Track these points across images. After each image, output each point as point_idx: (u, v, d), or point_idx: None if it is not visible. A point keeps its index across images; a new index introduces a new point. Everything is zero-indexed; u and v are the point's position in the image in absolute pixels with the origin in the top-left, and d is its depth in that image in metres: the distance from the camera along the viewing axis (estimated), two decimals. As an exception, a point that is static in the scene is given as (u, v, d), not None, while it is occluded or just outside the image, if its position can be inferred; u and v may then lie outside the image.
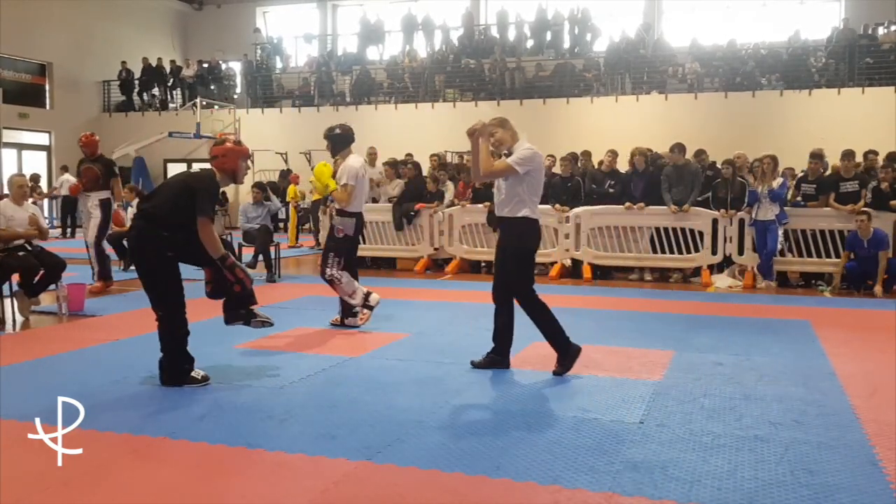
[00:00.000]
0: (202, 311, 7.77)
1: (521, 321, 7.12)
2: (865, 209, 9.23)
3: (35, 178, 18.97)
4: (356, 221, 6.84)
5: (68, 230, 17.96)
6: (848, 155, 9.92)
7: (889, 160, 10.67)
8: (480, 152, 5.08)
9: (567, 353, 5.25)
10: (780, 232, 9.56)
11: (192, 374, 4.95)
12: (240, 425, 4.12)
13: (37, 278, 7.33)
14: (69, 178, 18.41)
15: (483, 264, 11.44)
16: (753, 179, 9.78)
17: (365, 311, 6.88)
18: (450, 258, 11.38)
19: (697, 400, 4.61)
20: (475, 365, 5.40)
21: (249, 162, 5.44)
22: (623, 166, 11.12)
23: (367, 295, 6.89)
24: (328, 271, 6.74)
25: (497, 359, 5.40)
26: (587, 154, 11.92)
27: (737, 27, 20.34)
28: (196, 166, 23.48)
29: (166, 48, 25.66)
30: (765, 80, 18.41)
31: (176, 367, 4.93)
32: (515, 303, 5.34)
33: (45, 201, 18.84)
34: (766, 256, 9.65)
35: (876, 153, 11.37)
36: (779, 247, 9.63)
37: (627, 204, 10.30)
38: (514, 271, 5.25)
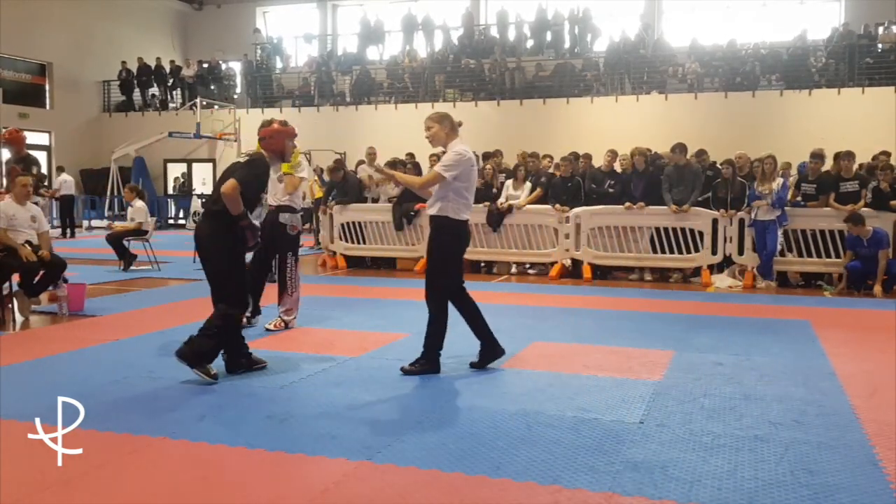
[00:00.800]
0: (203, 312, 7.78)
1: (522, 323, 7.14)
2: (858, 213, 9.20)
3: (41, 177, 19.00)
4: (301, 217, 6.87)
5: (67, 230, 17.94)
6: (847, 156, 9.92)
7: (874, 161, 10.71)
8: (406, 182, 5.80)
9: (428, 361, 5.25)
10: (780, 232, 9.56)
11: (208, 365, 4.98)
12: (240, 425, 4.12)
13: (37, 278, 7.33)
14: (66, 179, 18.44)
15: (482, 264, 11.45)
16: (771, 178, 9.63)
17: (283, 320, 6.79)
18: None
19: (697, 400, 4.61)
20: (474, 366, 5.40)
21: (295, 141, 5.62)
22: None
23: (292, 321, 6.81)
24: (289, 273, 6.68)
25: (488, 353, 5.42)
26: (588, 156, 11.92)
27: (737, 27, 20.35)
28: (196, 166, 23.65)
29: (166, 48, 25.66)
30: (764, 81, 18.41)
31: (203, 348, 4.96)
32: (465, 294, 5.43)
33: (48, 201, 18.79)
34: (766, 257, 9.65)
35: (888, 154, 11.37)
36: (778, 247, 9.63)
37: (627, 204, 10.30)
38: (433, 268, 5.32)
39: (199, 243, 5.16)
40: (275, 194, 6.63)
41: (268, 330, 6.65)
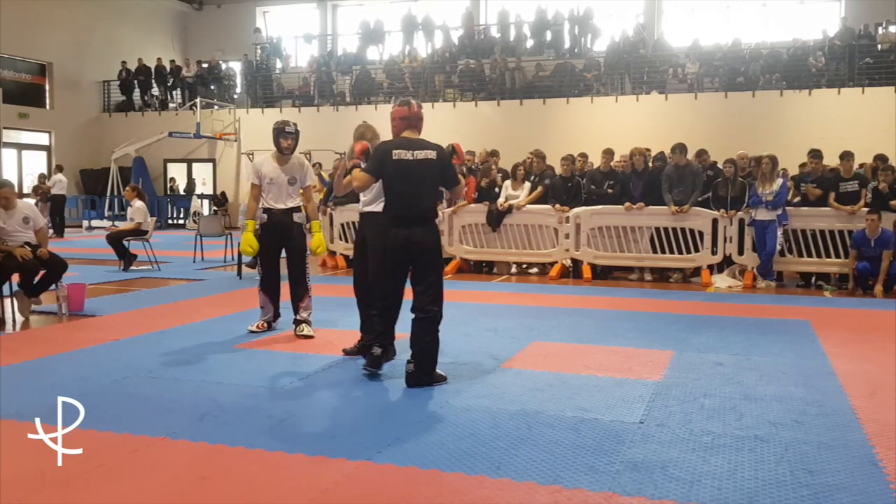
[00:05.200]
0: (203, 312, 7.79)
1: (522, 323, 7.14)
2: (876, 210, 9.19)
3: (41, 177, 19.10)
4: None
5: (58, 229, 17.92)
6: (846, 156, 9.93)
7: (880, 161, 10.70)
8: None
9: (385, 350, 5.31)
10: (780, 232, 9.56)
11: (436, 371, 4.94)
12: (240, 425, 4.11)
13: (37, 278, 7.32)
14: (61, 179, 18.44)
15: (483, 264, 11.45)
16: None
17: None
18: (450, 258, 11.38)
19: (697, 400, 4.61)
20: (347, 352, 5.65)
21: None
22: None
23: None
24: (308, 274, 6.61)
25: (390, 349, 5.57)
26: (584, 156, 11.92)
27: (737, 27, 20.36)
28: (196, 166, 23.65)
29: (166, 48, 25.66)
30: (764, 81, 18.41)
31: (433, 364, 4.88)
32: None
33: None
34: (766, 257, 9.65)
35: (885, 158, 11.36)
36: (778, 247, 9.63)
37: (627, 204, 10.30)
38: (373, 263, 5.36)
39: (422, 249, 4.84)
40: (283, 197, 6.42)
41: (252, 332, 6.55)
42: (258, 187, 6.41)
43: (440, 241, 5.05)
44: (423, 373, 4.86)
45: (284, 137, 6.38)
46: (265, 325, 6.66)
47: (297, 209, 6.49)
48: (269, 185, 6.38)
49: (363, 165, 5.09)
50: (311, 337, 6.38)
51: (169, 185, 23.91)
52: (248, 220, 6.47)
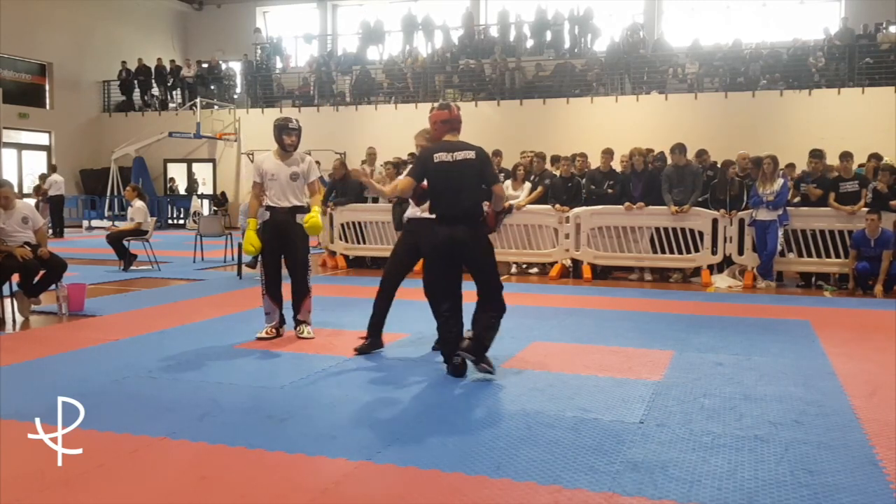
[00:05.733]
0: (203, 312, 7.79)
1: (522, 323, 7.14)
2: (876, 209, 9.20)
3: (43, 177, 19.11)
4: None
5: (56, 229, 17.91)
6: (846, 156, 9.94)
7: (874, 160, 10.72)
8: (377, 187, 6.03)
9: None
10: (781, 232, 9.57)
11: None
12: (240, 425, 4.12)
13: (37, 278, 7.32)
14: (57, 179, 18.43)
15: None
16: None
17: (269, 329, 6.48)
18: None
19: (697, 400, 4.61)
20: (359, 350, 5.79)
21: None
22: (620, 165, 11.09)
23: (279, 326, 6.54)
24: (310, 275, 6.51)
25: (376, 342, 5.90)
26: (583, 156, 11.92)
27: (737, 27, 20.37)
28: (196, 166, 23.66)
29: (166, 48, 25.66)
30: (765, 80, 18.42)
31: (488, 343, 5.07)
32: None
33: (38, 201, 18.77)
34: (767, 257, 9.65)
35: (879, 156, 11.37)
36: (779, 247, 9.64)
37: (627, 204, 10.30)
38: (428, 271, 5.50)
39: (465, 247, 5.06)
40: (286, 195, 6.30)
41: (260, 339, 6.35)
42: (260, 185, 6.32)
43: (486, 237, 5.17)
44: (480, 345, 4.99)
45: (288, 134, 6.29)
46: (274, 331, 6.44)
47: (300, 209, 6.37)
48: (271, 181, 6.28)
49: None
50: (311, 338, 6.37)
51: (169, 185, 23.94)
52: (249, 219, 6.37)
